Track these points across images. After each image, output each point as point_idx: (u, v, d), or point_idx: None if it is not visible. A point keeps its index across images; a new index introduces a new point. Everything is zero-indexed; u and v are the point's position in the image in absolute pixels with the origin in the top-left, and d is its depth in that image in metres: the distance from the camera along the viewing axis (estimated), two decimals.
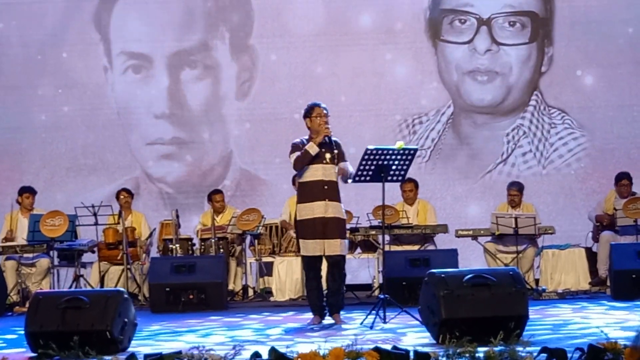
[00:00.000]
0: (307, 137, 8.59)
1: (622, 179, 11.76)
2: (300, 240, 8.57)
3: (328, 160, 8.48)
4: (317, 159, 8.45)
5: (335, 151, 8.52)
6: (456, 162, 14.08)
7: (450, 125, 14.20)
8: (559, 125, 14.06)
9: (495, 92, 14.14)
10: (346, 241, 8.73)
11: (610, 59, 13.86)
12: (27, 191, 11.87)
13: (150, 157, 13.65)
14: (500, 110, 14.18)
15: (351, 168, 8.57)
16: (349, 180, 8.60)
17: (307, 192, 8.49)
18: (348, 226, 11.11)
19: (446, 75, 14.25)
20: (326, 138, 8.47)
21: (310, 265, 8.57)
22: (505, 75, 14.16)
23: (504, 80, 14.16)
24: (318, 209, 8.43)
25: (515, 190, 11.95)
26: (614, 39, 13.82)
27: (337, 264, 8.55)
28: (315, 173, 8.47)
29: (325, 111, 8.55)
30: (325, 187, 8.46)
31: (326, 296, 8.66)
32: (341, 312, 8.67)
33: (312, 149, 8.42)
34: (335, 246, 8.45)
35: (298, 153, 8.46)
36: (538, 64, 14.19)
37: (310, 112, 8.57)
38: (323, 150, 8.46)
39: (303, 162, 8.44)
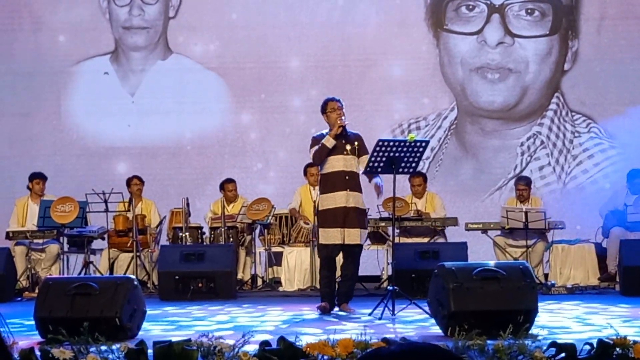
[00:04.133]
0: (327, 130, 8.77)
1: (636, 178, 11.67)
2: (320, 229, 8.73)
3: (349, 151, 8.65)
4: (338, 150, 8.62)
5: (356, 143, 8.63)
6: (460, 177, 12.95)
7: (453, 132, 12.93)
8: (584, 134, 12.70)
9: (508, 93, 12.83)
10: (366, 231, 8.91)
11: None
12: (38, 177, 11.91)
13: (161, 146, 13.64)
14: (513, 115, 12.82)
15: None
16: (360, 171, 8.68)
17: (329, 182, 8.67)
18: None
19: (449, 72, 13.03)
20: (345, 130, 8.61)
21: (327, 254, 8.69)
22: (520, 73, 12.80)
23: (519, 79, 12.81)
24: (340, 199, 8.60)
25: (523, 185, 11.89)
26: None
27: (354, 252, 8.73)
28: (336, 164, 8.64)
29: (339, 104, 8.72)
30: (347, 177, 8.63)
31: (338, 284, 8.77)
32: (349, 303, 8.75)
33: (329, 142, 8.59)
34: (354, 235, 8.62)
35: (317, 147, 8.64)
36: (560, 61, 12.81)
37: (325, 107, 8.78)
38: (343, 142, 8.63)
39: (321, 155, 8.63)
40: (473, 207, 13.00)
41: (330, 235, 8.61)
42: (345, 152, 8.64)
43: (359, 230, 8.66)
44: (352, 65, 13.50)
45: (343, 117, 8.63)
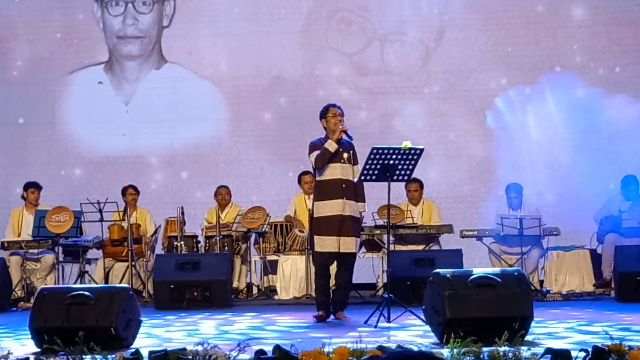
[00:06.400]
0: (323, 136, 8.78)
1: (631, 184, 11.68)
2: (316, 237, 8.71)
3: (345, 159, 8.68)
4: (336, 158, 8.64)
5: (350, 152, 8.69)
6: (454, 184, 13.22)
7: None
8: (578, 141, 12.73)
9: None
10: (359, 240, 8.94)
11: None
12: (33, 186, 11.91)
13: (156, 154, 13.64)
14: None
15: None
16: (354, 179, 8.68)
17: (326, 190, 8.67)
18: None
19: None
20: (344, 138, 8.65)
21: (322, 261, 8.70)
22: None
23: None
24: (336, 207, 8.61)
25: (513, 193, 11.87)
26: None
27: (348, 261, 8.75)
28: (333, 172, 8.66)
29: (339, 111, 8.75)
30: (343, 185, 8.65)
31: (332, 292, 8.78)
32: (345, 311, 8.76)
33: (331, 146, 8.62)
34: (350, 244, 8.65)
35: (318, 152, 8.63)
36: None
37: (325, 112, 8.79)
38: (341, 150, 8.66)
39: (324, 159, 8.63)
40: (468, 214, 13.04)
41: (327, 243, 8.61)
42: (342, 161, 8.67)
43: (354, 239, 8.68)
44: (346, 72, 13.54)
45: (344, 123, 8.66)
